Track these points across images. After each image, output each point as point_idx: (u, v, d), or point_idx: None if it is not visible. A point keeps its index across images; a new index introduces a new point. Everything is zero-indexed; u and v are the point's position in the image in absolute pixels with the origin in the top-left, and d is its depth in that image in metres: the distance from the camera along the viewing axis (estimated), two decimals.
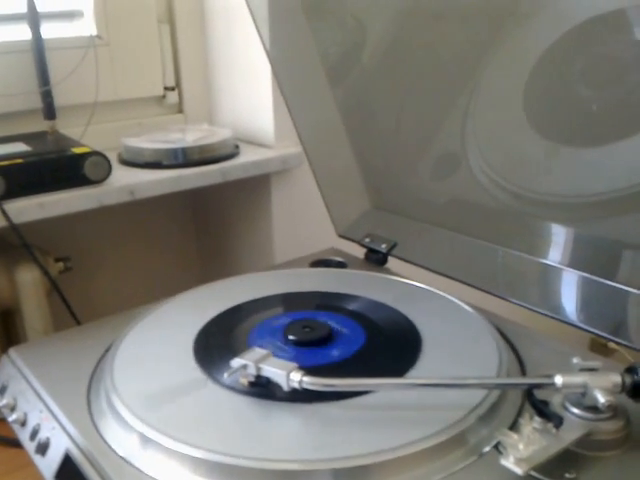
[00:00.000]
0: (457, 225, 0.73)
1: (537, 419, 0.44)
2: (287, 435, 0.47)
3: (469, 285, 0.69)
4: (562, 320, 0.61)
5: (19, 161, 0.74)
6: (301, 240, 0.97)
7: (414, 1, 0.64)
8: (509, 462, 0.41)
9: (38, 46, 0.85)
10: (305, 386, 0.48)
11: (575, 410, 0.46)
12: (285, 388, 0.48)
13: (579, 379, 0.45)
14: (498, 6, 0.58)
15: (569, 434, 0.44)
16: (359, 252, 0.82)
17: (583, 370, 0.47)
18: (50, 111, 0.88)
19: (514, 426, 0.47)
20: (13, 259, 0.80)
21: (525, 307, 0.64)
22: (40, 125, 0.88)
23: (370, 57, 0.72)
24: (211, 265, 1.12)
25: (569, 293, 0.63)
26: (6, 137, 0.85)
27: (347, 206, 0.84)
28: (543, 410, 0.47)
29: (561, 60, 0.56)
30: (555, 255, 0.64)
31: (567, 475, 0.43)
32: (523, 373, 0.56)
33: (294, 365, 0.49)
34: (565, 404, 0.46)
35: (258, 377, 0.50)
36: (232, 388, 0.52)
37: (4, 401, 0.60)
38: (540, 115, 0.60)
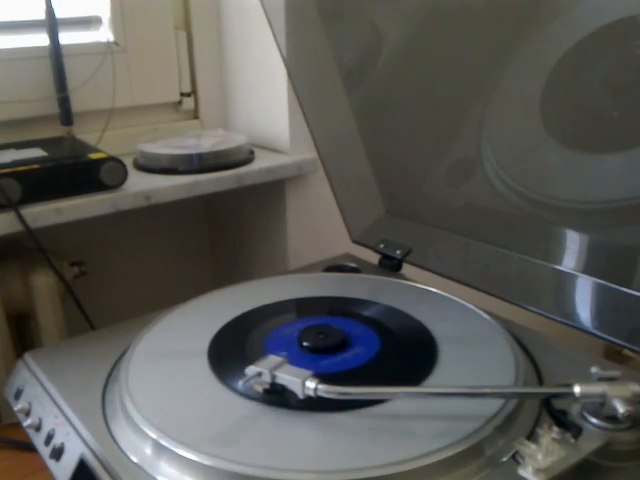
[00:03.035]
0: (472, 231, 0.73)
1: (555, 429, 0.43)
2: (301, 445, 0.47)
3: (483, 291, 0.69)
4: (577, 327, 0.61)
5: (36, 167, 0.74)
6: (315, 246, 0.97)
7: (430, 8, 0.64)
8: (527, 472, 0.40)
9: (56, 52, 0.86)
10: (320, 394, 0.48)
11: (594, 420, 0.45)
12: (300, 396, 0.48)
13: (598, 389, 0.45)
14: (516, 11, 0.58)
15: (588, 444, 0.43)
16: (373, 258, 0.81)
17: (602, 379, 0.46)
18: (67, 117, 0.88)
19: (532, 436, 0.47)
20: (28, 263, 0.80)
21: (539, 314, 0.64)
22: (57, 131, 0.89)
23: (386, 63, 0.72)
24: (225, 270, 1.13)
25: (584, 300, 0.63)
26: (23, 142, 0.85)
27: (362, 212, 0.84)
28: (562, 420, 0.46)
29: (579, 66, 0.55)
30: (570, 261, 0.64)
31: None
32: (540, 381, 0.55)
33: (309, 373, 0.49)
34: (583, 414, 0.46)
35: (273, 384, 0.50)
36: (247, 395, 0.51)
37: (19, 405, 0.60)
38: (557, 121, 0.59)
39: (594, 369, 0.47)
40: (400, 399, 0.50)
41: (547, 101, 0.59)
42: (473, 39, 0.62)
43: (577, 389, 0.45)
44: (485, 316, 0.64)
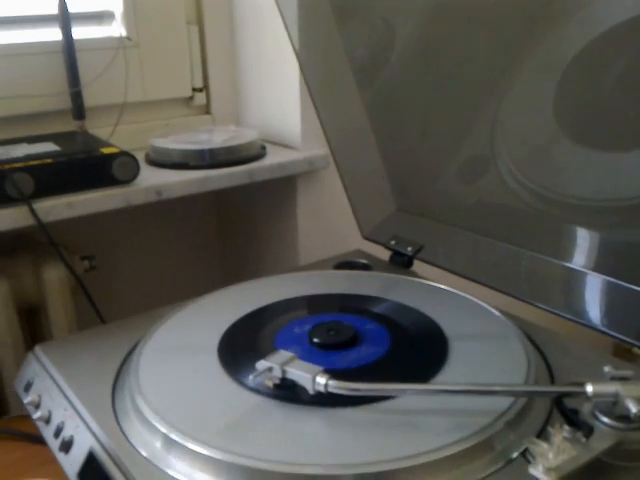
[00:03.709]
0: (484, 228, 0.72)
1: (567, 428, 0.43)
2: (311, 439, 0.47)
3: (494, 289, 0.68)
4: (586, 325, 0.60)
5: (48, 161, 0.75)
6: (326, 242, 0.97)
7: (444, 4, 0.64)
8: (538, 471, 0.40)
9: (69, 47, 0.86)
10: (331, 390, 0.47)
11: (606, 419, 0.44)
12: (310, 391, 0.48)
13: (610, 388, 0.44)
14: (530, 8, 0.57)
15: (599, 444, 0.43)
16: (384, 254, 0.81)
17: (614, 379, 0.46)
18: (80, 111, 0.89)
19: (542, 433, 0.47)
20: (40, 257, 0.81)
21: (549, 311, 0.63)
22: (69, 125, 0.89)
23: (399, 59, 0.72)
24: (235, 266, 1.13)
25: (594, 297, 0.62)
26: (36, 137, 0.86)
27: (373, 208, 0.84)
28: (573, 419, 0.46)
29: (594, 64, 0.55)
30: (581, 259, 0.63)
31: None
32: (551, 379, 0.55)
33: (320, 368, 0.49)
34: (595, 413, 0.45)
35: (283, 380, 0.50)
36: (257, 390, 0.51)
37: (29, 398, 0.60)
38: (571, 119, 0.59)
39: (607, 368, 0.46)
40: (411, 395, 0.50)
41: (561, 98, 0.58)
42: (486, 35, 0.62)
43: (589, 388, 0.44)
44: (496, 313, 0.63)
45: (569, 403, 0.48)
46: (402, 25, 0.69)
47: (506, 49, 0.61)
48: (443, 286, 0.70)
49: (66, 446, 0.53)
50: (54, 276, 0.80)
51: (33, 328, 0.85)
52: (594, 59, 0.54)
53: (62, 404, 0.56)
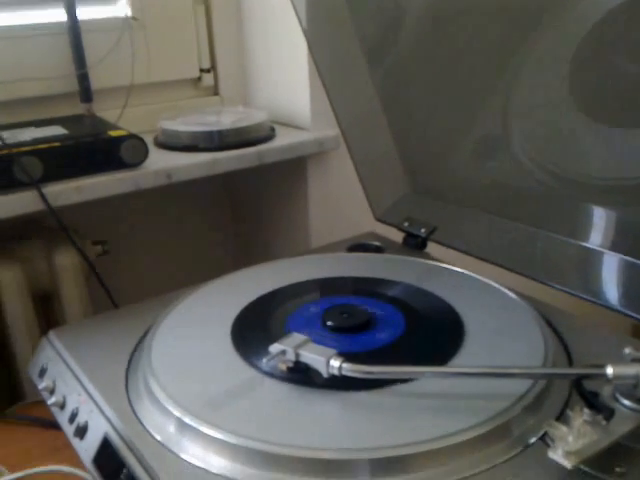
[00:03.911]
0: (498, 209, 0.71)
1: (587, 411, 0.42)
2: (325, 423, 0.46)
3: (509, 270, 0.67)
4: (604, 305, 0.59)
5: (56, 144, 0.74)
6: (338, 224, 0.96)
7: None
8: (558, 455, 0.40)
9: (74, 28, 0.85)
10: (345, 373, 0.47)
11: (626, 402, 0.44)
12: (324, 375, 0.48)
13: (631, 370, 0.43)
14: None
15: (620, 427, 0.42)
16: (397, 236, 0.80)
17: (635, 360, 0.45)
18: (87, 94, 0.88)
19: (561, 417, 0.46)
20: (52, 243, 0.81)
21: (566, 292, 0.62)
22: (77, 108, 0.88)
23: (409, 38, 0.70)
24: (246, 249, 1.12)
25: (611, 277, 0.62)
26: (43, 120, 0.85)
27: (385, 189, 0.83)
28: (593, 402, 0.45)
29: (608, 38, 0.53)
30: (597, 238, 0.63)
31: (617, 469, 0.41)
32: (570, 362, 0.54)
33: (333, 351, 0.48)
34: (616, 395, 0.44)
35: (297, 363, 0.49)
36: (270, 374, 0.51)
37: (43, 384, 0.60)
38: (586, 95, 0.58)
39: (627, 350, 0.46)
40: (426, 378, 0.50)
41: (575, 75, 0.57)
42: (499, 13, 0.60)
43: (610, 370, 0.43)
44: (512, 295, 0.63)
45: (589, 386, 0.47)
46: (412, 3, 0.68)
47: (519, 25, 0.59)
48: (457, 268, 0.69)
49: (81, 432, 0.53)
50: (67, 261, 0.80)
51: (47, 314, 0.84)
52: (608, 33, 0.53)
53: (76, 389, 0.56)
